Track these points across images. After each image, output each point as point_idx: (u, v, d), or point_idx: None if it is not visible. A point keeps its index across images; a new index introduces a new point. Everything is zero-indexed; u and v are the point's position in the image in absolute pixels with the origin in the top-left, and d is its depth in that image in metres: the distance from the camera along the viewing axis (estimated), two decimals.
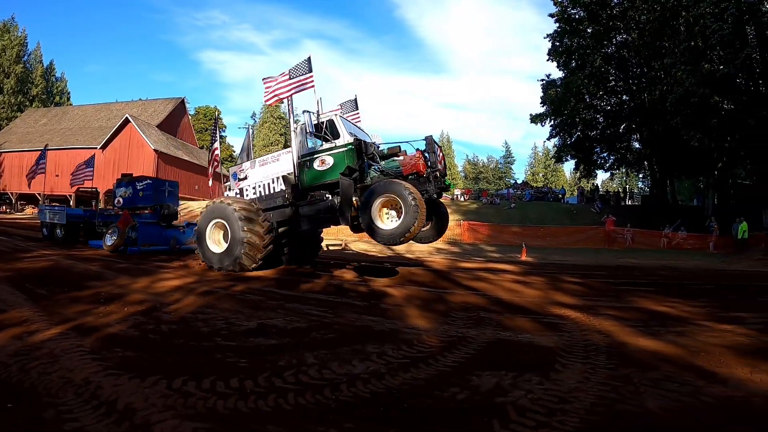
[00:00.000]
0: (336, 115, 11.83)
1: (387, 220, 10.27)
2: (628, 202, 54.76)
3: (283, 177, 12.37)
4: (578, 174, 49.74)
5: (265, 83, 12.37)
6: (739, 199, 39.22)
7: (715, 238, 28.48)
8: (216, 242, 12.32)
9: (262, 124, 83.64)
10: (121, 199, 18.52)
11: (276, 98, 12.15)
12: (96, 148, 49.47)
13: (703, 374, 4.77)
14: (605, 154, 43.12)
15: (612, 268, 17.12)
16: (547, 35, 40.91)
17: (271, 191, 12.61)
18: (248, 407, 3.68)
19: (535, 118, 40.77)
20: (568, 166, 69.61)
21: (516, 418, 3.58)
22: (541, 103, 41.52)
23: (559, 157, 43.99)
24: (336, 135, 11.36)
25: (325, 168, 11.43)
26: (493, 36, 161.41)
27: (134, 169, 44.01)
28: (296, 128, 12.19)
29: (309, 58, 11.67)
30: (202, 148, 69.47)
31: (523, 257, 20.23)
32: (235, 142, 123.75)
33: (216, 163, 17.52)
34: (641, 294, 10.32)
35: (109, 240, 16.50)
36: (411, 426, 3.50)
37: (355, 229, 11.63)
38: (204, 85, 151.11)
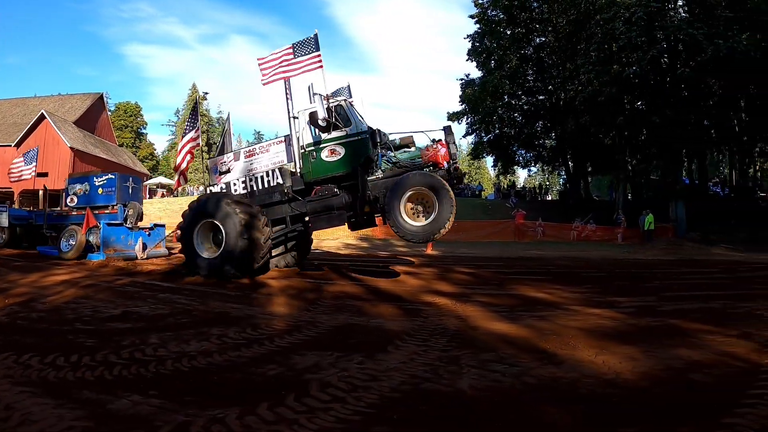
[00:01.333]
0: (345, 99, 10.68)
1: (413, 216, 9.41)
2: (548, 198, 56.29)
3: (280, 169, 11.06)
4: (497, 170, 50.62)
5: (261, 63, 11.03)
6: (651, 194, 40.81)
7: (623, 230, 29.58)
8: (205, 245, 10.62)
9: (183, 121, 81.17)
10: (75, 197, 15.66)
11: (279, 78, 10.80)
12: (10, 145, 46.49)
13: (541, 356, 4.62)
14: (522, 151, 44.03)
15: (512, 259, 17.30)
16: (468, 36, 41.52)
17: (266, 185, 11.11)
18: (75, 377, 3.98)
19: (453, 116, 41.12)
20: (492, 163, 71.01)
21: (315, 393, 3.63)
22: (459, 102, 42.11)
23: (477, 153, 44.75)
24: (347, 122, 10.25)
25: (335, 159, 10.26)
26: (422, 36, 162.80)
27: (50, 168, 41.63)
28: (297, 114, 10.81)
29: (316, 35, 10.54)
30: (121, 146, 66.78)
31: (429, 251, 20.17)
32: (157, 139, 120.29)
33: (190, 157, 13.15)
34: (527, 282, 10.25)
35: (66, 246, 14.19)
36: (211, 395, 3.65)
37: (356, 226, 10.87)
38: (128, 80, 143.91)
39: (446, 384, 3.86)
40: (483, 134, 41.82)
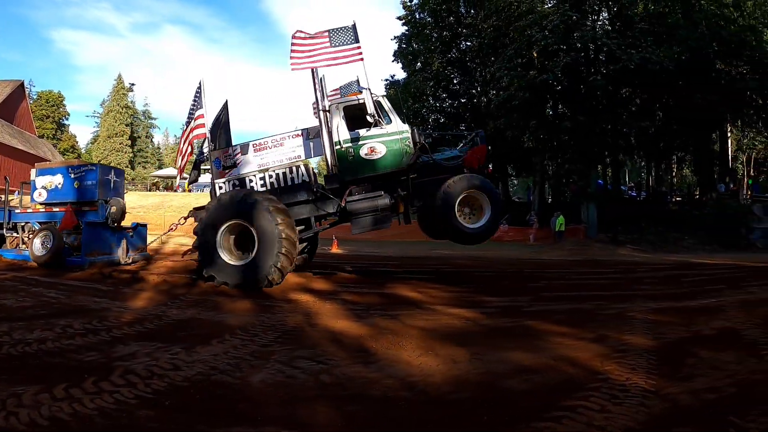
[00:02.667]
0: (383, 96, 10.18)
1: (462, 218, 9.52)
2: None
3: (305, 165, 10.18)
4: None
5: (294, 43, 9.70)
6: (567, 197, 42.16)
7: (535, 231, 30.57)
8: (229, 250, 9.39)
9: (107, 113, 78.18)
10: (44, 192, 13.38)
11: (314, 66, 9.79)
12: None
13: (359, 355, 4.69)
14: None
15: (412, 258, 17.65)
16: (395, 37, 41.80)
17: (288, 183, 10.09)
18: None
19: None
20: None
21: (114, 378, 3.86)
22: None
23: None
24: (388, 119, 9.83)
25: (376, 157, 9.74)
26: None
27: None
28: (329, 108, 10.05)
29: (354, 25, 9.67)
30: (42, 137, 63.89)
31: (334, 249, 20.27)
32: (80, 131, 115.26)
33: (190, 148, 11.35)
34: (408, 281, 10.33)
35: (40, 249, 12.05)
36: (25, 375, 3.96)
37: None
38: (54, 67, 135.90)
39: (239, 377, 4.01)
40: None
